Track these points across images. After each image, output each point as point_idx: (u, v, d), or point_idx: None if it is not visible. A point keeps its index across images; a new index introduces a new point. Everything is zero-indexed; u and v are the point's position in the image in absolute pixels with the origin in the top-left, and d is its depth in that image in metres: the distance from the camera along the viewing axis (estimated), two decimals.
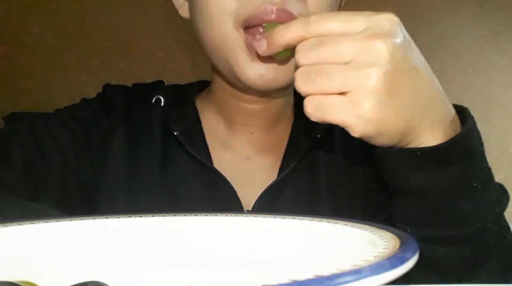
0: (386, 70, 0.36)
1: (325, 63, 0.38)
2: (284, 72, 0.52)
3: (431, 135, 0.41)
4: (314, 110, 0.38)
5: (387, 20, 0.38)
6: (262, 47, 0.43)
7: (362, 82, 0.36)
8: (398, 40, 0.37)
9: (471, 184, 0.43)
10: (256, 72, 0.52)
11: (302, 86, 0.38)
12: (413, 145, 0.41)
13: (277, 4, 0.49)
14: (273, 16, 0.49)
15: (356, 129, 0.38)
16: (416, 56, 0.40)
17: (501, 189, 0.47)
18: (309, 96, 0.39)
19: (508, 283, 0.46)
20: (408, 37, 0.40)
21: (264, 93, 0.59)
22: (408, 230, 0.44)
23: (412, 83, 0.39)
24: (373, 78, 0.36)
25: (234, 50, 0.52)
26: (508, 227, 0.48)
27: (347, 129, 0.38)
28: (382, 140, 0.40)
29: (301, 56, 0.39)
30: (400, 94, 0.38)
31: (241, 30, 0.51)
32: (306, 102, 0.39)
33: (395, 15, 0.39)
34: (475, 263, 0.45)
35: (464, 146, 0.41)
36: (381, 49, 0.36)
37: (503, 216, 0.47)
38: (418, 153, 0.41)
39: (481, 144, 0.44)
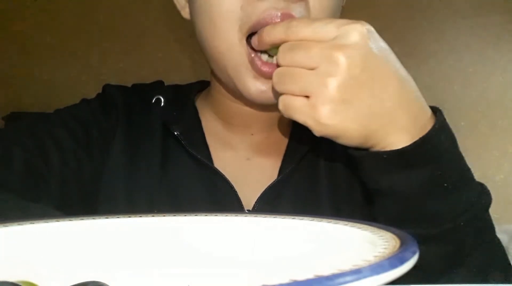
0: (342, 81, 0.39)
1: (297, 66, 0.41)
2: None
3: (397, 139, 0.42)
4: (283, 108, 0.43)
5: (355, 31, 0.41)
6: (255, 42, 0.49)
7: (320, 89, 0.40)
8: (362, 51, 0.40)
9: (441, 185, 0.44)
10: (257, 89, 0.53)
11: (276, 86, 0.43)
12: (378, 147, 0.43)
13: (282, 9, 0.49)
14: (278, 20, 0.49)
15: (315, 130, 0.42)
16: (385, 65, 0.42)
17: (482, 189, 0.48)
18: (282, 95, 0.43)
19: (489, 283, 0.46)
20: (381, 45, 0.42)
21: (264, 107, 0.59)
22: None
23: (371, 93, 0.41)
24: (330, 88, 0.40)
25: (237, 64, 0.52)
26: (491, 228, 0.49)
27: (309, 128, 0.42)
28: (342, 141, 0.43)
29: (279, 56, 0.43)
30: (356, 102, 0.41)
31: (244, 42, 0.51)
32: (279, 100, 0.43)
33: (368, 24, 0.42)
34: (453, 262, 0.46)
35: (429, 148, 0.43)
36: (340, 61, 0.39)
37: (484, 217, 0.47)
38: (384, 156, 0.43)
39: (453, 145, 0.45)
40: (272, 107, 0.59)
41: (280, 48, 0.43)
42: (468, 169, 0.47)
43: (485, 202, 0.47)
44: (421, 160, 0.43)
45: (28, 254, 0.32)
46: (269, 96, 0.53)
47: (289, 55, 0.42)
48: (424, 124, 0.43)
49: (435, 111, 0.46)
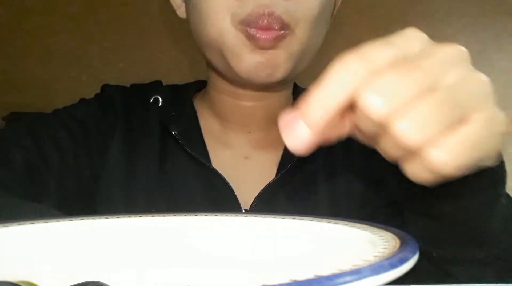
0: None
1: (411, 98, 0.27)
2: (282, 63, 0.52)
3: None
4: (459, 155, 0.27)
5: (429, 42, 0.32)
6: (314, 119, 0.29)
7: (485, 105, 0.31)
8: None
9: (501, 202, 0.41)
10: (255, 61, 0.52)
11: (421, 132, 0.26)
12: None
13: (268, 7, 0.49)
14: (266, 21, 0.49)
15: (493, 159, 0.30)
16: None
17: (508, 197, 0.46)
18: (434, 143, 0.26)
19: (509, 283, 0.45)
20: None
21: (261, 87, 0.58)
22: (435, 254, 0.42)
23: None
24: (487, 96, 0.32)
25: (233, 44, 0.52)
26: None
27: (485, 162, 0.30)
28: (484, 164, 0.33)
29: (382, 102, 0.26)
30: None
31: (240, 27, 0.51)
32: (440, 153, 0.26)
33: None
34: (505, 275, 0.44)
35: (501, 165, 0.39)
36: (459, 54, 0.33)
37: None
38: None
39: None
40: (269, 88, 0.58)
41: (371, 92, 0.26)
42: None
43: None
44: (495, 179, 0.39)
45: (28, 254, 0.32)
46: (267, 71, 0.52)
47: (406, 87, 0.27)
48: None
49: None
